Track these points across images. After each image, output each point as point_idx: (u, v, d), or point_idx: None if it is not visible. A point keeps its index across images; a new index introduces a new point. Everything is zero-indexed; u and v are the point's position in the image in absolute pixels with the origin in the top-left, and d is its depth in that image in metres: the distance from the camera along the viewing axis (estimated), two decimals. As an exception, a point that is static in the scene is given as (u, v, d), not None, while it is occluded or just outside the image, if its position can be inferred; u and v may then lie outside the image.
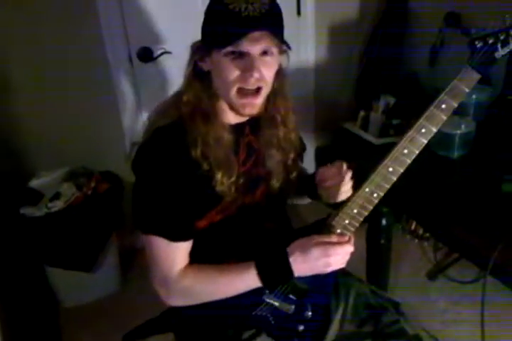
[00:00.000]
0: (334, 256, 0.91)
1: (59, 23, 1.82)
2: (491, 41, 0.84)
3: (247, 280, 0.94)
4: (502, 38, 0.84)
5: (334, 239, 0.93)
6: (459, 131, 1.45)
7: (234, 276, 0.96)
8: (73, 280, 1.90)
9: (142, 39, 1.95)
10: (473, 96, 1.58)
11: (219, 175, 0.95)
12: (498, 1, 1.58)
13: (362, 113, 2.32)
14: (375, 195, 0.93)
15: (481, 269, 1.06)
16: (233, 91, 0.92)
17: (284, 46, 0.92)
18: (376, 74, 2.35)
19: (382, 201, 1.46)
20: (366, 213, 0.95)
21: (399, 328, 1.08)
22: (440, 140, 1.48)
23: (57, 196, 1.74)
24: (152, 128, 0.96)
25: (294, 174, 1.11)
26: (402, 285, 2.01)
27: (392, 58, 2.34)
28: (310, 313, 1.05)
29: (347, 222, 0.95)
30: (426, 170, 1.37)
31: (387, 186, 0.92)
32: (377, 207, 1.52)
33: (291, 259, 0.92)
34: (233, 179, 0.97)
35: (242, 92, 0.93)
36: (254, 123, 1.04)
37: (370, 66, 2.36)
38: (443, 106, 0.87)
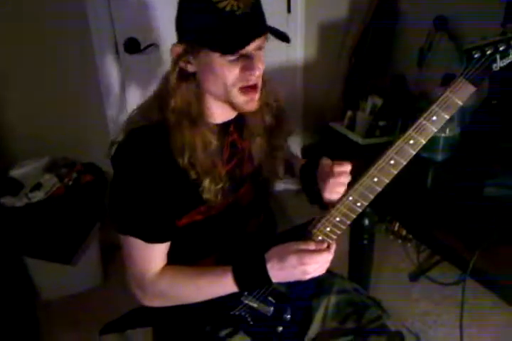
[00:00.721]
0: (311, 265, 0.90)
1: (44, 12, 1.80)
2: (489, 52, 0.79)
3: (223, 284, 0.93)
4: (502, 48, 0.79)
5: (312, 246, 0.92)
6: (443, 134, 1.45)
7: (211, 280, 0.94)
8: (53, 272, 1.88)
9: (129, 30, 1.93)
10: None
11: (206, 182, 0.94)
12: (483, 5, 1.60)
13: (349, 113, 2.33)
14: (358, 204, 0.91)
15: (462, 271, 1.06)
16: (234, 91, 0.90)
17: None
18: (364, 75, 2.36)
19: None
20: (349, 222, 0.93)
21: (381, 324, 1.09)
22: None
23: (37, 186, 1.72)
24: (133, 127, 0.93)
25: (280, 155, 1.10)
26: (384, 286, 2.01)
27: (380, 59, 2.35)
28: (289, 316, 1.05)
29: (328, 229, 0.93)
30: (409, 171, 1.38)
31: (371, 196, 0.90)
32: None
33: (268, 266, 0.91)
34: (220, 185, 0.96)
35: (244, 90, 0.91)
36: (239, 118, 1.02)
37: (358, 66, 2.36)
38: (433, 118, 0.84)
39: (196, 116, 0.93)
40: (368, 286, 1.77)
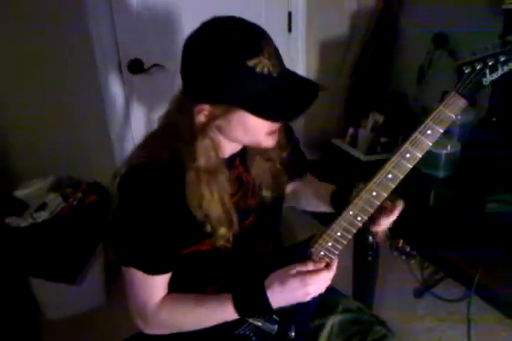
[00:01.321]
0: (312, 285, 0.90)
1: (49, 33, 1.82)
2: (479, 67, 0.81)
3: (224, 313, 0.94)
4: (490, 63, 0.81)
5: (311, 266, 0.92)
6: (444, 151, 1.46)
7: (211, 309, 0.94)
8: (57, 292, 1.87)
9: (133, 51, 1.96)
10: (459, 117, 1.60)
11: (222, 231, 0.94)
12: (482, 22, 1.62)
13: (351, 130, 2.35)
14: (358, 218, 0.92)
15: (467, 288, 1.06)
16: (262, 137, 0.90)
17: None
18: (365, 92, 2.39)
19: (369, 218, 1.48)
20: (350, 236, 0.94)
21: None
22: (426, 159, 1.49)
23: (42, 206, 1.72)
24: (143, 162, 0.90)
25: (284, 179, 1.09)
26: (389, 302, 2.01)
27: (381, 76, 2.38)
28: (293, 334, 1.04)
29: (330, 244, 0.94)
30: (412, 188, 1.39)
31: (371, 210, 0.91)
32: (364, 224, 1.55)
33: (268, 292, 0.91)
34: (235, 230, 0.96)
35: (270, 133, 0.91)
36: (243, 150, 1.02)
37: (359, 84, 2.39)
38: (428, 131, 0.85)
39: (216, 168, 0.91)
40: (372, 302, 1.76)
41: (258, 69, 0.78)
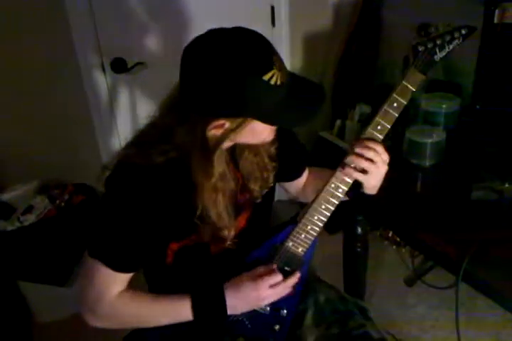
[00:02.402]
0: (263, 289, 0.94)
1: (28, 33, 1.80)
2: (429, 46, 0.92)
3: (178, 312, 0.95)
4: (439, 42, 0.93)
5: (261, 269, 0.97)
6: (430, 140, 1.47)
7: (166, 306, 0.95)
8: (48, 294, 1.86)
9: (115, 50, 1.94)
10: (443, 106, 1.61)
11: (225, 232, 0.97)
12: (464, 12, 1.63)
13: (338, 122, 2.36)
14: (339, 190, 0.98)
15: (455, 276, 1.07)
16: (267, 136, 0.93)
17: None
18: (351, 84, 2.39)
19: (357, 209, 1.49)
20: (332, 208, 0.99)
21: (364, 332, 1.10)
22: (412, 149, 1.51)
23: (29, 209, 1.71)
24: (133, 162, 0.89)
25: (272, 173, 1.08)
26: (381, 292, 2.03)
27: (366, 68, 2.38)
28: (285, 311, 1.07)
29: (316, 218, 0.99)
30: (399, 178, 1.40)
31: (350, 181, 0.97)
32: (352, 215, 1.56)
33: (226, 295, 0.94)
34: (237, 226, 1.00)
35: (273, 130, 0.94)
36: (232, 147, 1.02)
37: (344, 75, 2.39)
38: (395, 104, 0.94)
39: (226, 173, 0.94)
40: (363, 293, 1.77)
41: (272, 82, 0.80)
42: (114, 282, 0.93)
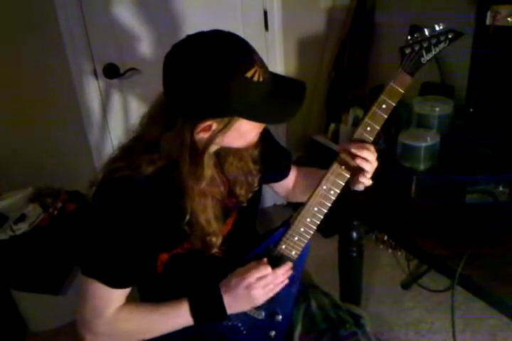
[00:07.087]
0: (252, 283, 0.93)
1: (21, 39, 1.79)
2: (416, 48, 0.94)
3: (178, 317, 0.94)
4: (425, 45, 0.94)
5: (251, 264, 0.96)
6: (424, 144, 1.47)
7: (165, 314, 0.94)
8: (41, 303, 1.84)
9: (108, 56, 1.94)
10: (437, 109, 1.61)
11: (213, 239, 0.96)
12: (455, 13, 1.63)
13: (332, 125, 2.36)
14: (331, 191, 0.98)
15: (450, 279, 1.07)
16: (252, 138, 0.93)
17: None
18: (345, 87, 2.40)
19: (352, 214, 1.49)
20: (325, 210, 0.99)
21: (355, 340, 1.09)
22: (406, 152, 1.51)
23: (22, 218, 1.69)
24: (123, 175, 0.87)
25: (257, 178, 1.08)
26: (377, 296, 2.02)
27: (359, 71, 2.39)
28: (281, 317, 1.06)
29: (308, 220, 0.99)
30: (393, 182, 1.39)
31: (342, 183, 0.97)
32: (348, 220, 1.56)
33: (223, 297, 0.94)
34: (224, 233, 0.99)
35: (259, 132, 0.94)
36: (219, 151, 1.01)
37: (338, 79, 2.40)
38: (383, 106, 0.94)
39: (216, 177, 0.94)
40: (359, 297, 1.76)
41: (255, 79, 0.81)
42: (112, 299, 0.92)
